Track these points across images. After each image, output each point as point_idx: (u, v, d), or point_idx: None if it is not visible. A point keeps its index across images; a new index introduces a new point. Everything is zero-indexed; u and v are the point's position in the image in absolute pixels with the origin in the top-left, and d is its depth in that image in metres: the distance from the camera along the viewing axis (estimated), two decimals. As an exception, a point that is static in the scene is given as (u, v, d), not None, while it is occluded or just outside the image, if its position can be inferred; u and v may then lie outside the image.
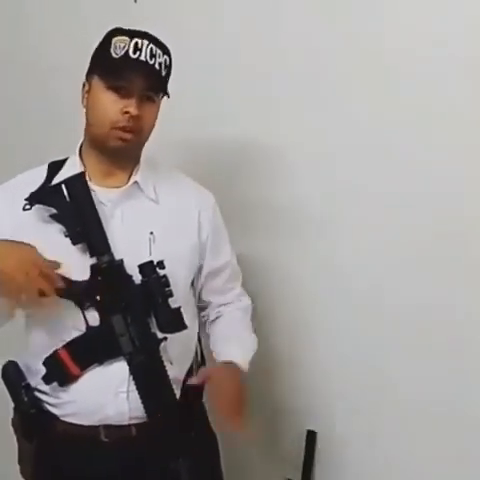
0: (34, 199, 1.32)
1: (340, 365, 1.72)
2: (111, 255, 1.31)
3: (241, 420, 1.33)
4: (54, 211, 1.31)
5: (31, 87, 2.18)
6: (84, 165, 1.39)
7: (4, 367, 1.41)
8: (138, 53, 1.31)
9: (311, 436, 1.76)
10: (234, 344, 1.46)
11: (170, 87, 1.39)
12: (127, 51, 1.31)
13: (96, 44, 2.02)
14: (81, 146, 1.41)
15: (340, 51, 1.62)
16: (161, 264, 1.32)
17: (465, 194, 1.50)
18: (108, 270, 1.30)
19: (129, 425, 1.35)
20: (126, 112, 1.31)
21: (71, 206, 1.31)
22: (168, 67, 1.38)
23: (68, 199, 1.31)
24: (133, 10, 1.98)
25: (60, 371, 1.32)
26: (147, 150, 1.44)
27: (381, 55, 1.56)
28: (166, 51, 1.37)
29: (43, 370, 1.34)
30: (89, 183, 1.35)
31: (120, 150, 1.35)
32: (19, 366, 1.40)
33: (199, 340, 1.54)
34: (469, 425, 1.54)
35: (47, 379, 1.34)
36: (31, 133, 2.14)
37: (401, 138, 1.56)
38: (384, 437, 1.67)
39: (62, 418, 1.36)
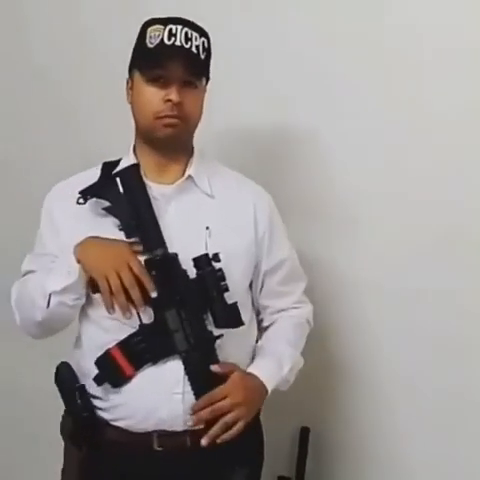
0: (88, 192, 1.30)
1: (334, 362, 1.71)
2: (165, 248, 1.27)
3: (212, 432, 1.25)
4: (108, 204, 1.29)
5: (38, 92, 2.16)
6: (138, 161, 1.37)
7: (58, 368, 1.35)
8: (173, 39, 1.29)
9: (304, 433, 1.74)
10: (266, 362, 1.37)
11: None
12: (162, 39, 1.29)
13: (95, 38, 2.00)
14: (134, 146, 1.40)
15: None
16: (216, 257, 1.28)
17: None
18: (162, 263, 1.26)
19: (184, 432, 1.28)
20: (168, 100, 1.29)
21: (125, 199, 1.28)
22: (207, 50, 1.35)
23: (122, 191, 1.29)
24: (135, 5, 1.95)
25: (113, 371, 1.27)
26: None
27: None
28: (203, 33, 1.34)
29: (94, 371, 1.28)
30: (144, 179, 1.33)
31: (169, 139, 1.32)
32: (72, 367, 1.34)
33: None
34: (470, 425, 1.55)
35: (99, 380, 1.28)
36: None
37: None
38: (376, 434, 1.66)
39: (113, 423, 1.30)
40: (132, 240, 1.28)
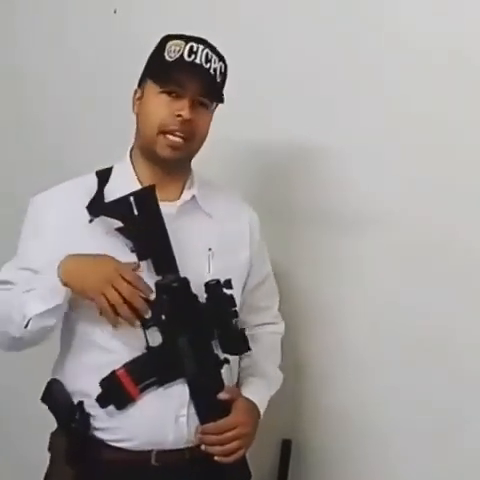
0: (99, 210, 1.25)
1: (316, 374, 1.72)
2: (177, 273, 1.26)
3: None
4: (120, 224, 1.24)
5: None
6: (136, 173, 1.33)
7: (49, 385, 1.33)
8: (193, 56, 1.27)
9: (286, 445, 1.75)
10: (259, 385, 1.40)
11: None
12: (182, 54, 1.27)
13: (77, 53, 2.02)
14: (131, 156, 1.36)
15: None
16: (228, 284, 1.28)
17: None
18: (177, 289, 1.24)
19: (183, 449, 1.30)
20: (178, 115, 1.26)
21: (139, 220, 1.24)
22: (223, 74, 1.34)
23: (136, 213, 1.25)
24: (113, 20, 1.98)
25: (118, 393, 1.25)
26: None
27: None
28: (222, 58, 1.33)
29: (94, 391, 1.25)
30: None
31: (170, 160, 1.30)
32: (64, 385, 1.31)
33: None
34: (459, 433, 1.53)
35: (103, 401, 1.25)
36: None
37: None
38: (359, 446, 1.67)
39: (111, 443, 1.28)
40: (133, 262, 1.24)
